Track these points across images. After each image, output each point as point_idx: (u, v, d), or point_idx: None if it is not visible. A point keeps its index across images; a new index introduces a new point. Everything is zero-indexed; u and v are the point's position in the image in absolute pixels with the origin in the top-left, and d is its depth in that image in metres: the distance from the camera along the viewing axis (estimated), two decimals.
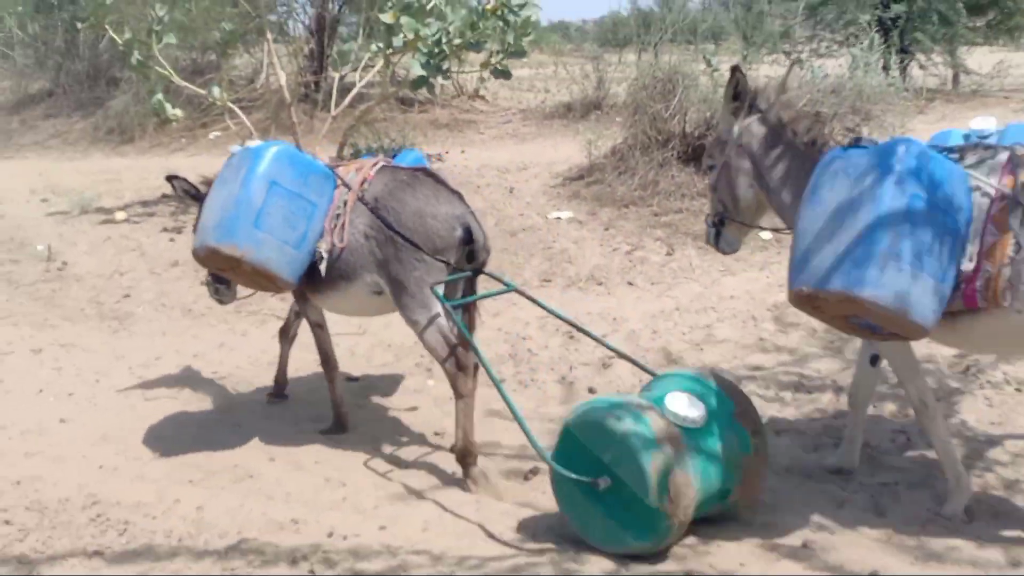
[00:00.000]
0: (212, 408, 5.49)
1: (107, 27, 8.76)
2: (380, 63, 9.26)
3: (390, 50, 7.83)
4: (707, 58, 9.43)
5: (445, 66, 7.98)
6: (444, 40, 7.38)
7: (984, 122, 3.92)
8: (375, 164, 4.70)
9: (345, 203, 4.55)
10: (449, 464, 4.57)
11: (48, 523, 4.22)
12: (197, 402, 5.56)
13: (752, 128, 4.10)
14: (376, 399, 5.51)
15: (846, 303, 3.39)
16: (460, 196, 4.59)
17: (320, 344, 5.06)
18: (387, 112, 14.20)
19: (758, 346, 5.78)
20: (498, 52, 7.84)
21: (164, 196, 9.80)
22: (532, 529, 3.95)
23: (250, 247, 4.34)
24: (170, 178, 5.08)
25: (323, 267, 4.53)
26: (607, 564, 3.63)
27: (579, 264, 7.27)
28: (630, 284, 6.78)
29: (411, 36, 7.48)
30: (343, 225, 4.52)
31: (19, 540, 4.08)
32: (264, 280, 4.54)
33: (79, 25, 11.86)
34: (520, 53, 7.95)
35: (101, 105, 15.94)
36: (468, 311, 4.59)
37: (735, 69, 4.17)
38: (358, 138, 9.87)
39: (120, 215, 9.34)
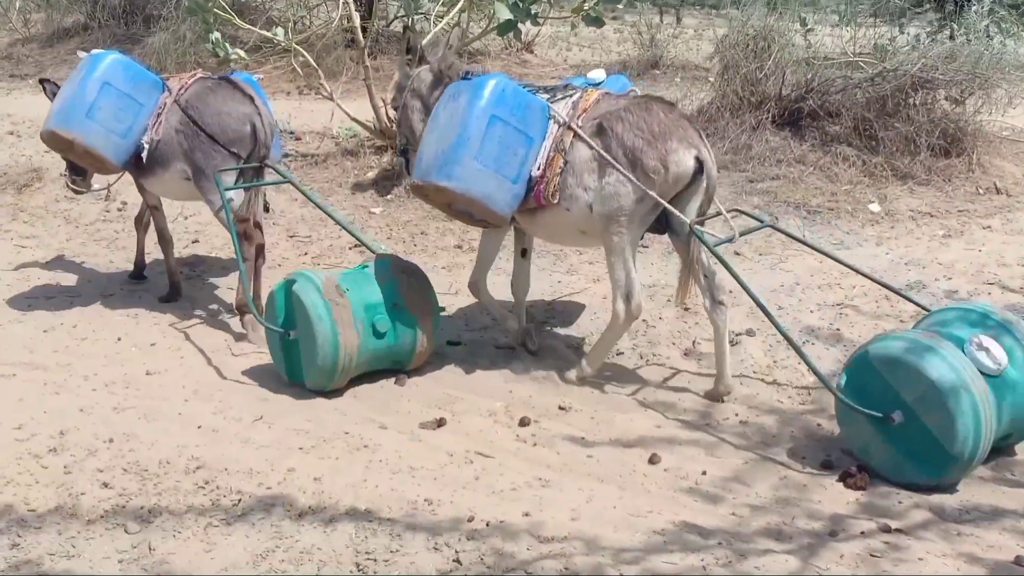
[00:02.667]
0: None
1: None
2: (456, 8, 8.79)
3: None
4: (802, 17, 8.91)
5: (534, 10, 7.52)
6: None
7: (596, 73, 5.44)
8: (193, 74, 5.69)
9: (165, 104, 5.49)
10: (584, 445, 4.21)
11: (152, 488, 3.85)
12: None
13: (422, 75, 5.10)
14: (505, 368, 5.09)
15: (441, 192, 4.49)
16: (252, 99, 5.44)
17: (156, 223, 6.09)
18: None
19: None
20: None
21: None
22: (687, 521, 3.58)
23: (81, 132, 5.34)
24: (42, 81, 5.89)
25: (144, 155, 5.48)
26: (781, 560, 3.28)
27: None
28: (737, 254, 6.35)
29: None
30: (161, 122, 5.46)
31: (121, 506, 3.72)
32: (96, 161, 5.55)
33: None
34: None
35: (137, 42, 15.41)
36: (251, 195, 5.50)
37: (406, 28, 5.49)
38: None
39: None
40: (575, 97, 4.66)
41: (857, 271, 4.73)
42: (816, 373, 4.12)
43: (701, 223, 4.48)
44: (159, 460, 4.05)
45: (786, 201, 7.21)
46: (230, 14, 8.65)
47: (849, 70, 8.39)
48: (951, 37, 9.38)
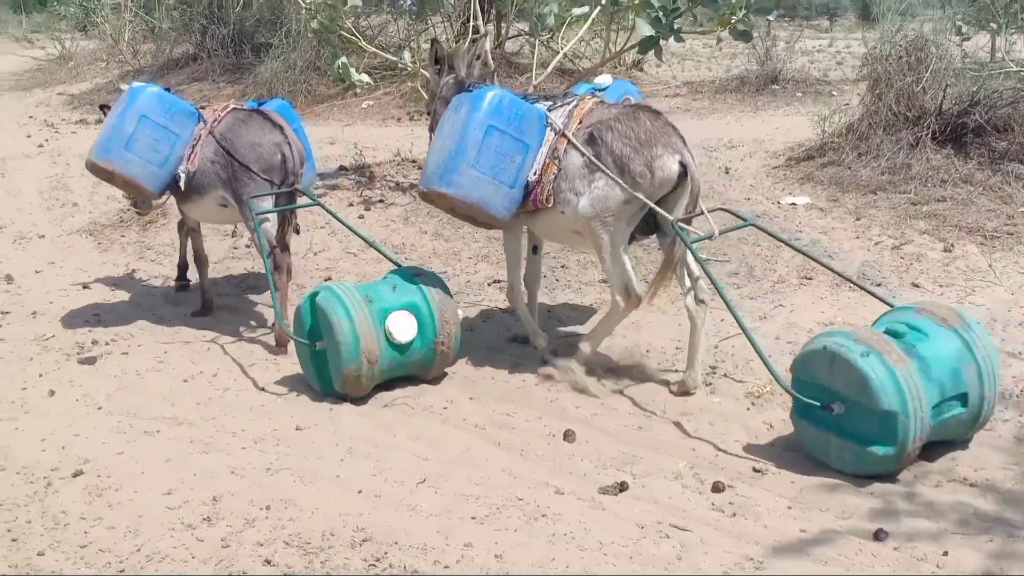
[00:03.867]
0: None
1: None
2: (585, 26, 8.42)
3: (614, 7, 6.98)
4: (959, 25, 8.29)
5: (678, 25, 7.09)
6: None
7: (602, 79, 5.61)
8: (226, 106, 5.92)
9: (200, 136, 5.76)
10: (793, 517, 3.73)
11: (319, 566, 3.50)
12: (448, 411, 4.82)
13: (449, 83, 5.32)
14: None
15: (443, 198, 4.82)
16: (281, 128, 5.71)
17: (193, 244, 6.46)
18: (549, 83, 13.39)
19: None
20: (740, 8, 6.90)
21: (342, 168, 9.14)
22: None
23: (120, 164, 5.65)
24: (101, 107, 6.26)
25: (182, 183, 5.78)
26: None
27: (841, 260, 6.29)
28: (915, 286, 5.80)
29: None
30: (196, 152, 5.74)
31: None
32: (134, 190, 5.89)
33: None
34: (767, 8, 6.99)
35: (247, 71, 15.47)
36: (286, 217, 5.75)
37: (434, 41, 5.63)
38: None
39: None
40: (571, 106, 4.94)
41: (840, 274, 4.97)
42: (778, 380, 4.18)
43: (687, 222, 4.72)
44: (322, 531, 3.70)
45: (958, 225, 6.61)
46: (356, 37, 8.45)
47: (1015, 81, 7.75)
48: None
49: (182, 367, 5.48)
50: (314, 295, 4.90)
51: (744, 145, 9.10)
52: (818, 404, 3.94)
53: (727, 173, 8.22)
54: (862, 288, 4.80)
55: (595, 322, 5.51)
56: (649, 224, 4.88)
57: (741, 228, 5.05)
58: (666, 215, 4.66)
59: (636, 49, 7.14)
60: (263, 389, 5.14)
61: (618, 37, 8.65)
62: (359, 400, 4.87)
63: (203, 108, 5.98)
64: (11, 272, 7.32)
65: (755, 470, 4.07)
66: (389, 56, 8.58)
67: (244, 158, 5.60)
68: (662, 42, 7.20)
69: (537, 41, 8.54)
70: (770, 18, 6.99)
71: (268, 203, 5.67)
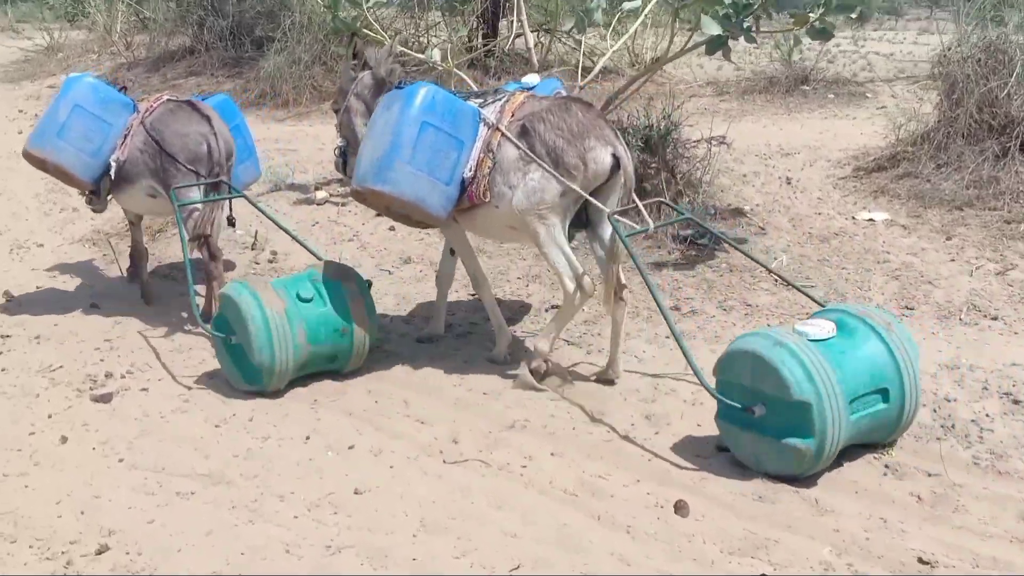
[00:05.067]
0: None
1: None
2: (638, 22, 7.75)
3: (679, 2, 6.31)
4: None
5: (748, 23, 6.42)
6: None
7: (530, 78, 5.37)
8: (159, 97, 5.96)
9: (132, 125, 5.81)
10: None
11: None
12: (529, 471, 4.16)
13: (365, 80, 5.35)
14: None
15: (378, 196, 4.73)
16: (209, 119, 5.72)
17: (132, 235, 6.51)
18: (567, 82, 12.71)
19: None
20: (819, 6, 6.25)
21: None
22: None
23: (52, 152, 5.71)
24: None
25: (112, 172, 5.80)
26: None
27: (943, 286, 5.66)
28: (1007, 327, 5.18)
29: None
30: (127, 143, 5.76)
31: None
32: (67, 179, 5.90)
33: None
34: (849, 7, 6.33)
35: (247, 65, 14.75)
36: (209, 212, 5.65)
37: (354, 35, 5.98)
38: None
39: (320, 195, 8.01)
40: (503, 101, 4.92)
41: (777, 275, 5.21)
42: (698, 375, 4.18)
43: (622, 215, 4.72)
44: None
45: None
46: (382, 35, 7.77)
47: None
48: None
49: (212, 408, 4.78)
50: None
51: (799, 152, 8.46)
52: (739, 406, 3.91)
53: (789, 184, 7.58)
54: (795, 287, 4.94)
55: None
56: (582, 219, 4.86)
57: (679, 221, 5.35)
58: (601, 206, 4.64)
59: (703, 49, 6.46)
60: (308, 438, 4.46)
61: (672, 35, 7.97)
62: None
63: (141, 101, 6.10)
64: (10, 287, 6.60)
65: (921, 561, 3.41)
66: (417, 55, 7.87)
67: (171, 147, 5.63)
68: (731, 42, 6.53)
69: (583, 40, 7.85)
70: (852, 16, 6.25)
71: (195, 194, 5.67)
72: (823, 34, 6.42)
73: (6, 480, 4.10)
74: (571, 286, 4.68)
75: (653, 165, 7.00)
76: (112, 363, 5.35)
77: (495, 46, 13.80)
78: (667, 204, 5.30)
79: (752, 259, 5.12)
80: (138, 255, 6.47)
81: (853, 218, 6.81)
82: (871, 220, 6.72)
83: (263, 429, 4.56)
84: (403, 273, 6.60)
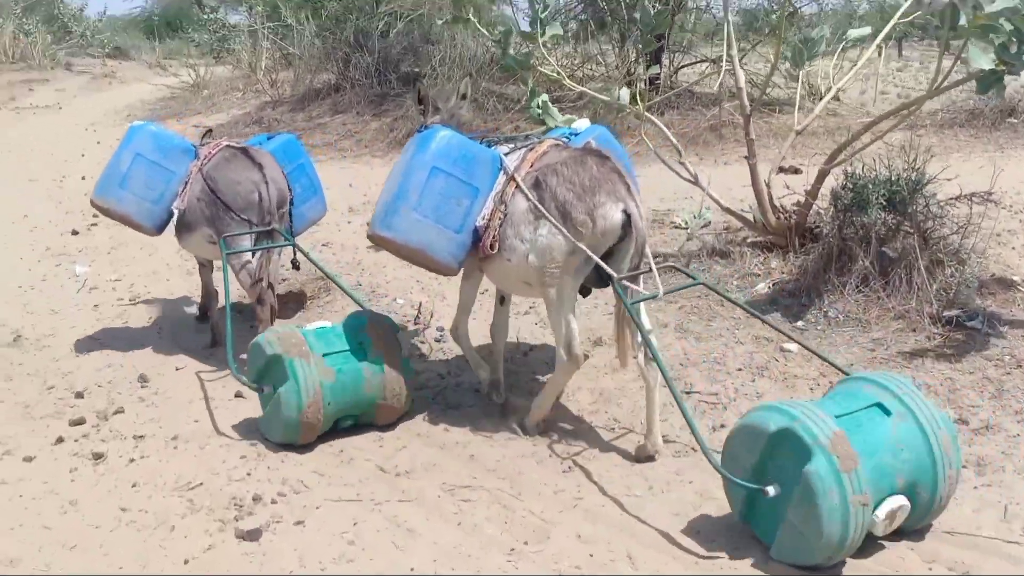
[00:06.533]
0: None
1: (471, 17, 6.41)
2: (868, 54, 6.51)
3: (950, 32, 5.08)
4: None
5: None
6: None
7: (580, 124, 5.37)
8: (218, 144, 5.92)
9: (192, 173, 5.87)
10: None
11: None
12: None
13: (436, 122, 5.01)
14: None
15: (385, 243, 4.69)
16: (261, 167, 5.71)
17: (202, 277, 6.49)
18: (731, 116, 11.48)
19: None
20: None
21: None
22: None
23: (115, 200, 5.91)
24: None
25: (174, 220, 5.93)
26: None
27: None
28: None
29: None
30: (186, 191, 5.83)
31: None
32: (133, 227, 6.01)
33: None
34: None
35: (392, 102, 14.09)
36: (264, 256, 5.72)
37: (415, 80, 6.24)
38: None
39: None
40: (527, 149, 4.74)
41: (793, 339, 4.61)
42: (702, 446, 3.82)
43: (633, 279, 4.39)
44: None
45: None
46: (560, 74, 6.75)
47: None
48: None
49: (383, 553, 3.76)
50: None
51: None
52: (754, 486, 3.54)
53: None
54: (815, 354, 4.44)
55: None
56: (602, 277, 4.48)
57: (690, 288, 5.08)
58: (610, 271, 4.34)
59: (975, 87, 5.20)
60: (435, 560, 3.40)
61: (939, 68, 6.69)
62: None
63: (203, 145, 6.08)
64: (145, 371, 5.80)
65: None
66: (599, 96, 6.82)
67: (224, 196, 5.62)
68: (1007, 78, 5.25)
69: (802, 74, 6.68)
70: None
71: (246, 242, 5.68)
72: None
73: None
74: (563, 356, 4.47)
75: (903, 228, 5.73)
76: (260, 478, 4.42)
77: (659, 78, 12.75)
78: (677, 268, 4.95)
79: (775, 328, 4.83)
80: (207, 296, 6.46)
81: None
82: None
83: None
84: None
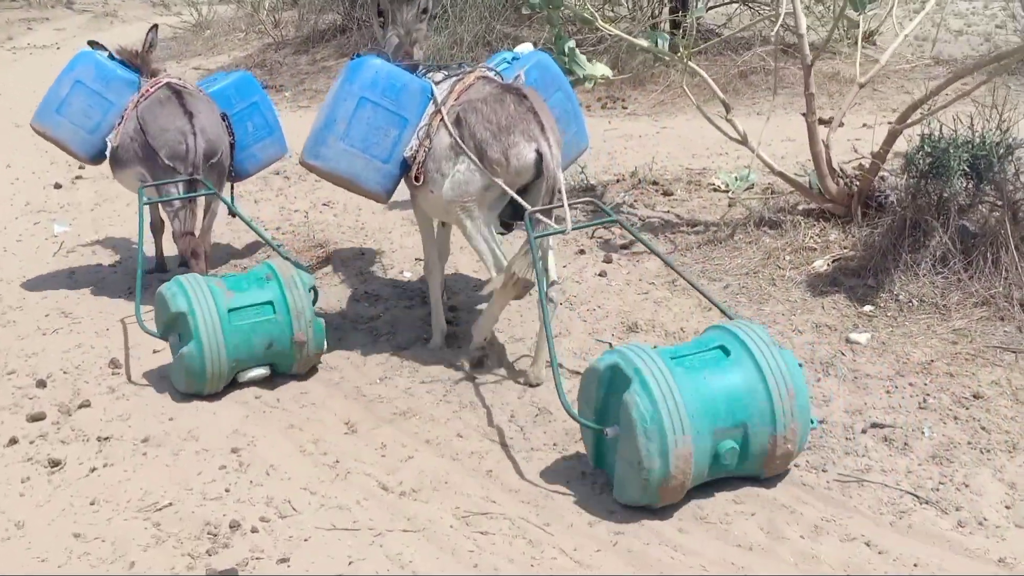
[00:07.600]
0: None
1: None
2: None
3: None
4: None
5: None
6: None
7: (522, 47, 5.22)
8: (157, 82, 5.72)
9: (129, 107, 5.67)
10: None
11: None
12: None
13: (391, 41, 4.95)
14: None
15: (315, 170, 4.70)
16: (191, 116, 5.47)
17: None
18: (762, 62, 10.60)
19: None
20: None
21: None
22: None
23: (51, 126, 5.81)
24: (90, 43, 6.04)
25: (108, 153, 5.77)
26: None
27: None
28: None
29: None
30: (122, 125, 5.65)
31: None
32: (70, 154, 6.01)
33: None
34: None
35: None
36: (188, 206, 5.52)
37: None
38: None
39: None
40: (456, 80, 4.70)
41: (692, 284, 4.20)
42: (559, 392, 3.71)
43: (546, 213, 4.32)
44: None
45: None
46: (593, 16, 5.95)
47: None
48: None
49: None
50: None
51: None
52: (599, 427, 3.54)
53: None
54: (708, 298, 4.15)
55: None
56: (518, 211, 4.49)
57: (605, 224, 5.22)
58: (523, 203, 4.35)
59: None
60: None
61: None
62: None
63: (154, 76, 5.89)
64: (117, 354, 5.11)
65: None
66: (637, 41, 6.01)
67: (154, 141, 5.47)
68: None
69: (861, 20, 5.82)
70: None
71: (172, 189, 5.51)
72: None
73: None
74: (496, 278, 4.41)
75: (988, 198, 4.97)
76: (241, 496, 3.75)
77: (687, 23, 11.85)
78: (595, 203, 4.75)
79: (674, 269, 4.36)
80: (154, 229, 6.24)
81: None
82: None
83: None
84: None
